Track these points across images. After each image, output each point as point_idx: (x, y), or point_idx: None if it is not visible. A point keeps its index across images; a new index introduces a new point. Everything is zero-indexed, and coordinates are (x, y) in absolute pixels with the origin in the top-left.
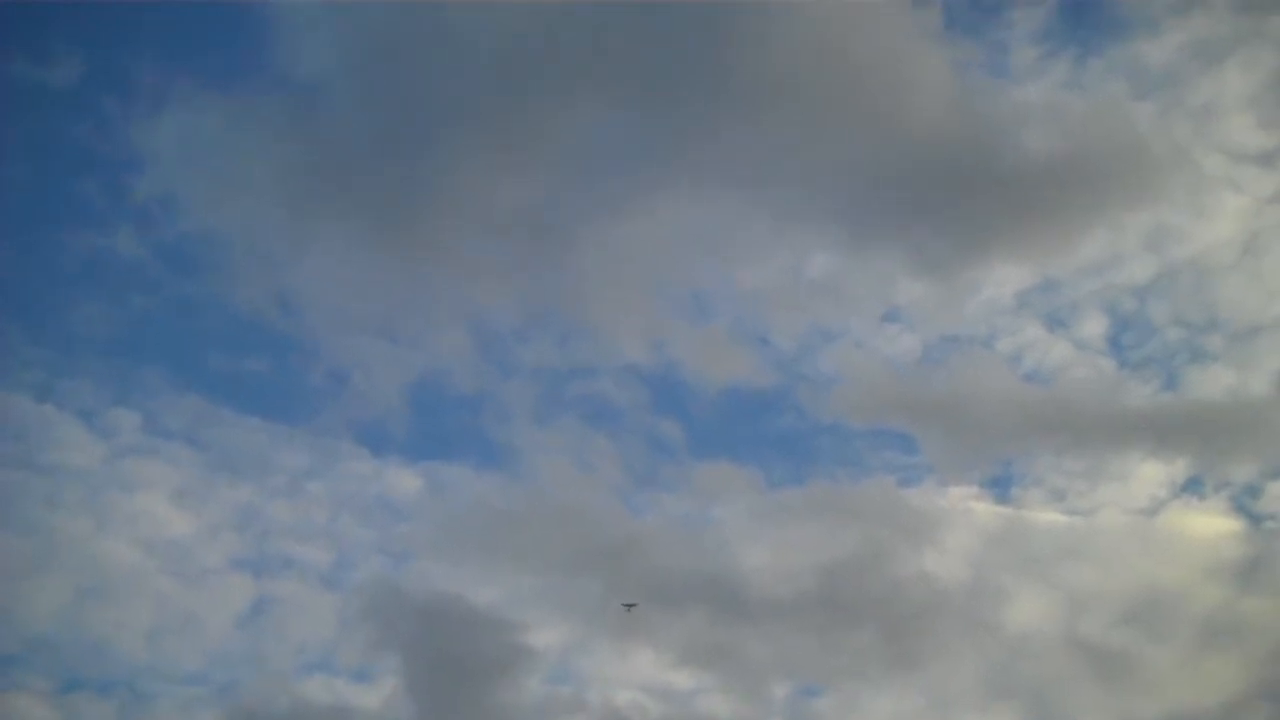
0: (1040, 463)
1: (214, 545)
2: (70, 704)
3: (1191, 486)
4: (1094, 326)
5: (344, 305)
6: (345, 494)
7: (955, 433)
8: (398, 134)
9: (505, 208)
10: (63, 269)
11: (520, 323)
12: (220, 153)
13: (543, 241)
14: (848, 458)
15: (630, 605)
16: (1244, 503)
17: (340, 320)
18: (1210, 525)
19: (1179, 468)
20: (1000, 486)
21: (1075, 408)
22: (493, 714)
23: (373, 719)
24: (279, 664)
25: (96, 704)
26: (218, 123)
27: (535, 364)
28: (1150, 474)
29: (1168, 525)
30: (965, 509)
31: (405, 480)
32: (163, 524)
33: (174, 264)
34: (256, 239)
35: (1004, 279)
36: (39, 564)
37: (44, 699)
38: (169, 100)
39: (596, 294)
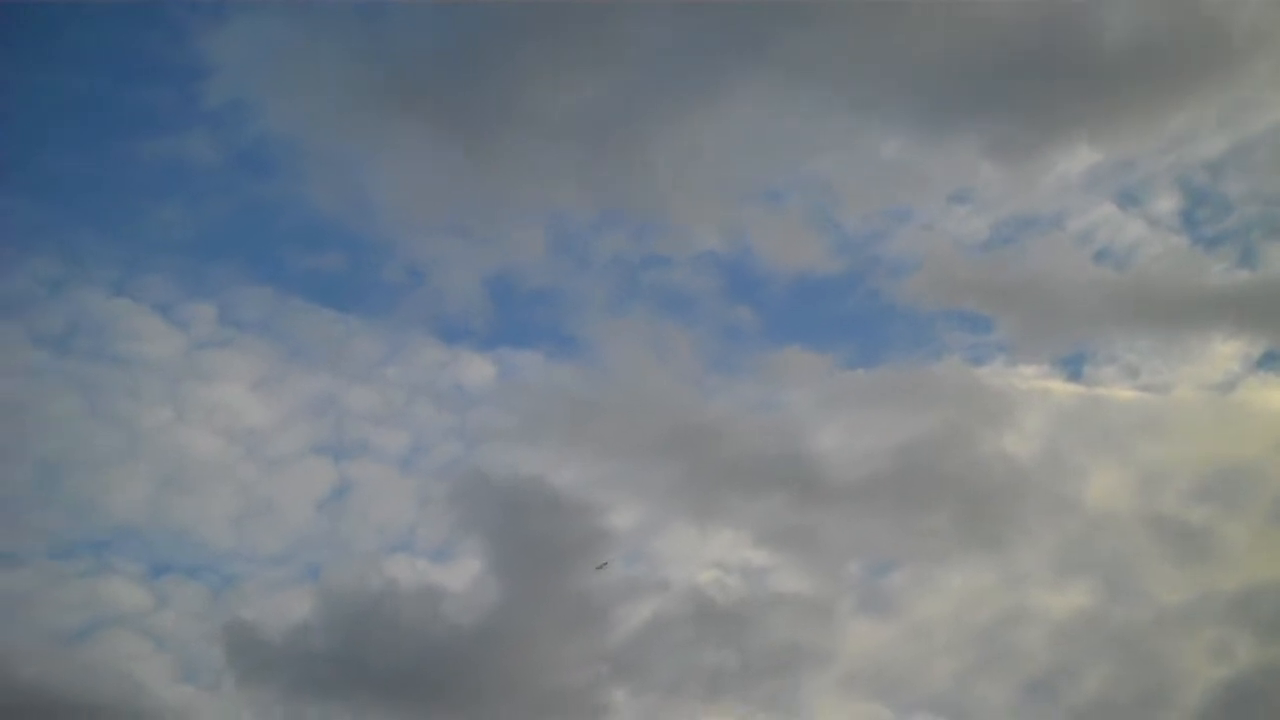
0: (1114, 341)
1: (293, 432)
2: (161, 587)
3: (1267, 362)
4: (1167, 204)
5: (418, 204)
6: (420, 381)
7: (1027, 312)
8: (468, 33)
9: (578, 105)
10: (139, 174)
11: (594, 217)
12: (288, 58)
13: (615, 138)
14: (919, 339)
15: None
16: None
17: (415, 219)
18: None
19: (1254, 343)
20: (1074, 365)
21: (1149, 285)
22: (576, 593)
23: (458, 598)
24: (362, 545)
25: (186, 585)
26: (284, 28)
27: (609, 257)
28: (1225, 350)
29: (1243, 400)
30: (1039, 388)
31: (479, 368)
32: (242, 413)
33: (248, 167)
34: (329, 142)
35: (1075, 158)
36: (124, 454)
37: (135, 581)
38: (235, 7)
39: (670, 186)
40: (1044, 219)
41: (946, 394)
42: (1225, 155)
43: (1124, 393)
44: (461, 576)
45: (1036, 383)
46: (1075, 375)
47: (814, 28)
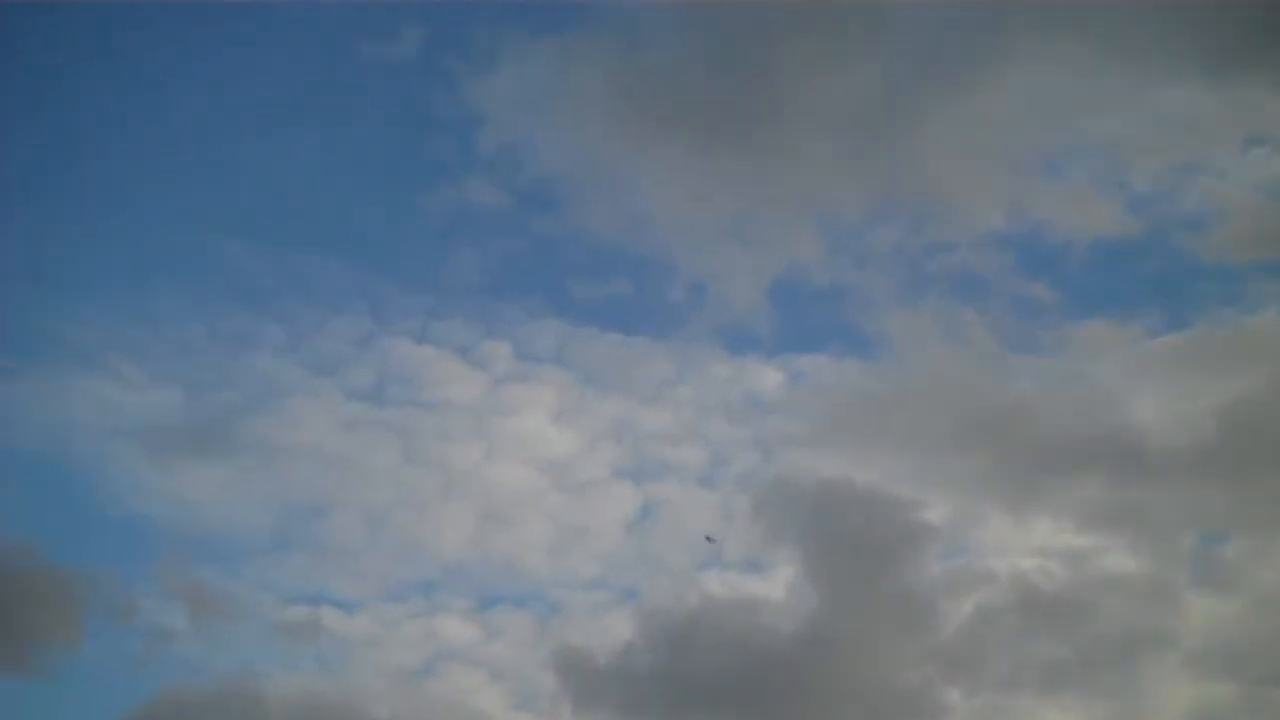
0: None
1: (595, 458)
2: (489, 619)
3: None
4: None
5: (694, 219)
6: (711, 396)
7: None
8: (727, 44)
9: (845, 98)
10: (431, 225)
11: (871, 210)
12: (555, 96)
13: (885, 124)
14: (1230, 296)
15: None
16: None
17: (692, 233)
18: None
19: None
20: None
21: None
22: (897, 591)
23: (776, 607)
24: (673, 563)
25: (513, 616)
26: (549, 68)
27: (890, 248)
28: None
29: None
30: None
31: (769, 376)
32: (546, 443)
33: (529, 206)
34: (603, 170)
35: None
36: (443, 494)
37: (465, 616)
38: (501, 55)
39: (947, 169)
40: None
41: (1268, 349)
42: None
43: None
44: (777, 585)
45: None
46: None
47: None
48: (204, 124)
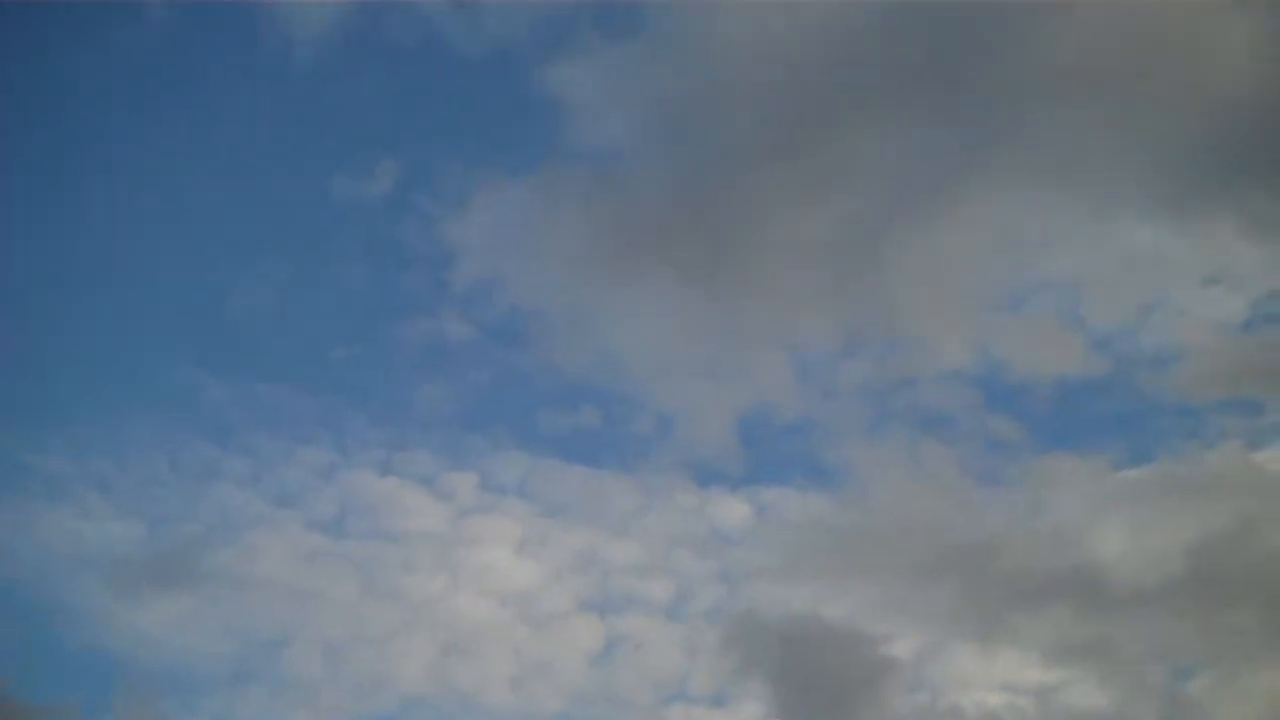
0: None
1: (560, 590)
2: None
3: None
4: None
5: (663, 352)
6: (678, 528)
7: None
8: (698, 181)
9: (813, 234)
10: (400, 358)
11: (839, 345)
12: (527, 232)
13: (854, 260)
14: (1190, 431)
15: None
16: None
17: (660, 367)
18: None
19: None
20: None
21: None
22: None
23: None
24: (639, 698)
25: None
26: (521, 205)
27: (857, 383)
28: None
29: None
30: None
31: (735, 509)
32: (510, 575)
33: (500, 340)
34: (574, 306)
35: None
36: (404, 625)
37: None
38: (474, 193)
39: (913, 305)
40: None
41: (1230, 484)
42: None
43: None
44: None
45: None
46: None
47: (1050, 119)
48: (174, 257)
